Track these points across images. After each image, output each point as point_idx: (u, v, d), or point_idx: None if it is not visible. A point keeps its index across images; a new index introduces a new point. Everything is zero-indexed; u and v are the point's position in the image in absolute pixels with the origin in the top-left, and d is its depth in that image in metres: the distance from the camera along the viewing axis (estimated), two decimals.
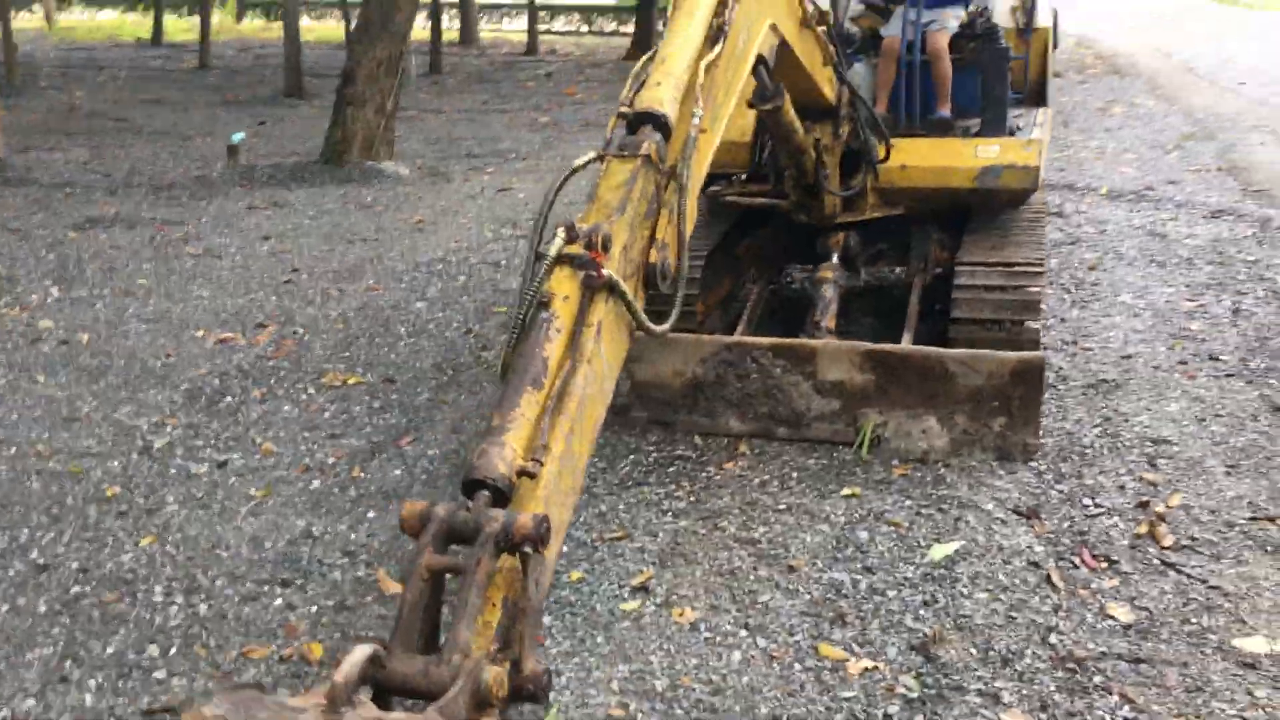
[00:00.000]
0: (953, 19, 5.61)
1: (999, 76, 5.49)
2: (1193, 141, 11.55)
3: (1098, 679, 3.10)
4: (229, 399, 5.27)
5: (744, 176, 5.67)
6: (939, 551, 3.76)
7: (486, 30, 27.37)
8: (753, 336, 4.90)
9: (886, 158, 5.13)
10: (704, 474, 4.40)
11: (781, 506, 4.12)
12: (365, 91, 10.61)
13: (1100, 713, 2.96)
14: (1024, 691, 3.05)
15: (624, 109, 3.24)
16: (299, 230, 8.60)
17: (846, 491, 4.22)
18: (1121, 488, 4.22)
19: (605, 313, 2.70)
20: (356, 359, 5.76)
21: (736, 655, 3.25)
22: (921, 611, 3.44)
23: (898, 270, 5.67)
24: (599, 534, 3.94)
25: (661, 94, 3.15)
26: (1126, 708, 2.98)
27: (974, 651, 3.23)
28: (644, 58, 3.42)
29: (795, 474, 4.39)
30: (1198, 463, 4.42)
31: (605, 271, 2.66)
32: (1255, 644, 3.22)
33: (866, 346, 4.62)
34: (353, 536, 3.98)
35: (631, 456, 4.57)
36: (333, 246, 8.08)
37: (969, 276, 5.07)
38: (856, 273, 5.52)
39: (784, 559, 3.76)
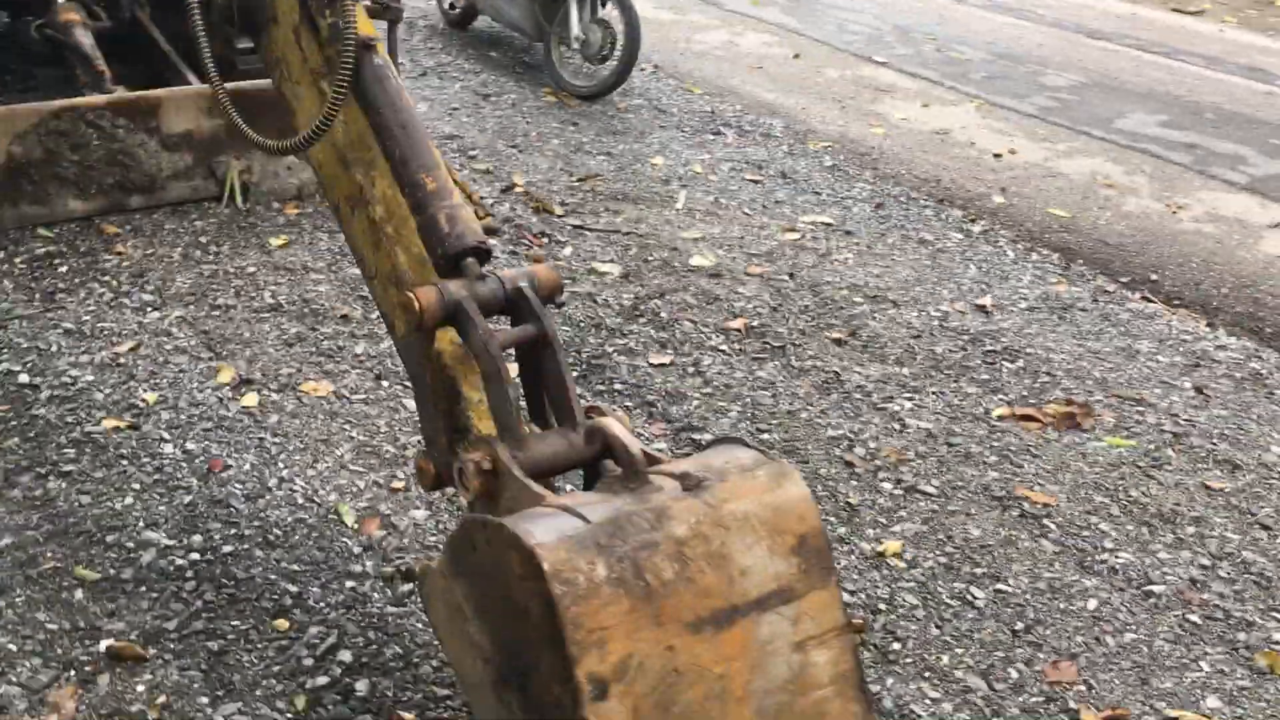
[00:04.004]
0: None
1: None
2: None
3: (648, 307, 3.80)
4: None
5: None
6: None
7: None
8: (83, 99, 4.09)
9: None
10: (117, 267, 3.78)
11: (232, 269, 3.81)
12: None
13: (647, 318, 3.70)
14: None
15: None
16: None
17: (278, 242, 4.04)
18: (479, 181, 4.74)
19: None
20: None
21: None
22: None
23: (131, 11, 5.00)
24: (129, 346, 3.28)
25: None
26: (671, 314, 3.75)
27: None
28: None
29: (204, 239, 4.01)
30: (489, 146, 5.12)
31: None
32: (692, 234, 4.20)
33: (220, 88, 4.24)
34: None
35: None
36: None
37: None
38: (92, 12, 4.75)
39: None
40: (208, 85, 4.29)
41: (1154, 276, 4.40)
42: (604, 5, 5.84)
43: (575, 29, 5.77)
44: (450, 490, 2.27)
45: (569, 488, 2.30)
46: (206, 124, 4.22)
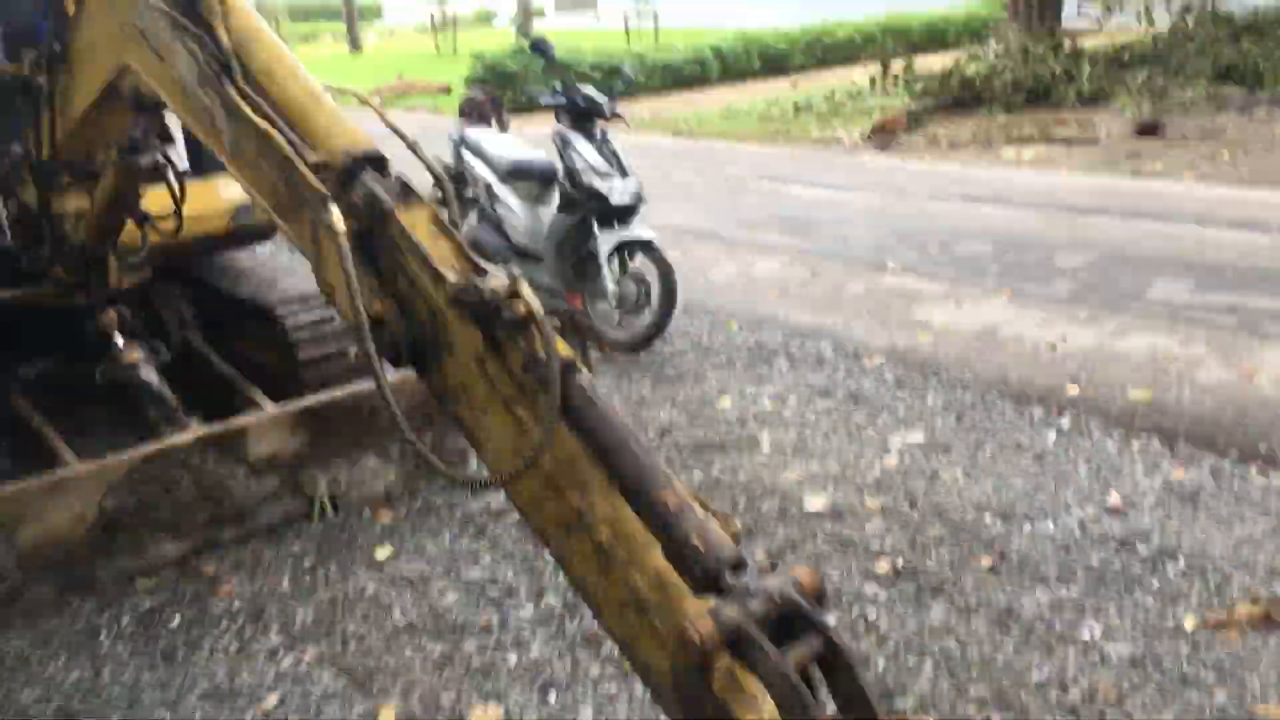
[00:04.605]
0: None
1: None
2: None
3: None
4: None
5: None
6: None
7: None
8: (170, 439, 3.97)
9: (179, 209, 4.47)
10: (230, 609, 3.59)
11: (351, 592, 3.63)
12: None
13: None
14: None
15: (321, 156, 2.64)
16: None
17: (384, 553, 3.89)
18: None
19: None
20: None
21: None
22: None
23: (181, 336, 4.97)
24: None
25: (355, 129, 2.65)
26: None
27: None
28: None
29: (308, 562, 3.85)
30: None
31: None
32: (793, 475, 4.09)
33: (298, 407, 4.17)
34: None
35: (110, 634, 3.46)
36: None
37: (295, 315, 4.78)
38: (153, 347, 4.70)
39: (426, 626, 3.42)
40: (278, 405, 4.28)
41: (1262, 447, 4.34)
42: (633, 259, 5.91)
43: (610, 286, 5.81)
44: None
45: None
46: (290, 443, 4.11)
